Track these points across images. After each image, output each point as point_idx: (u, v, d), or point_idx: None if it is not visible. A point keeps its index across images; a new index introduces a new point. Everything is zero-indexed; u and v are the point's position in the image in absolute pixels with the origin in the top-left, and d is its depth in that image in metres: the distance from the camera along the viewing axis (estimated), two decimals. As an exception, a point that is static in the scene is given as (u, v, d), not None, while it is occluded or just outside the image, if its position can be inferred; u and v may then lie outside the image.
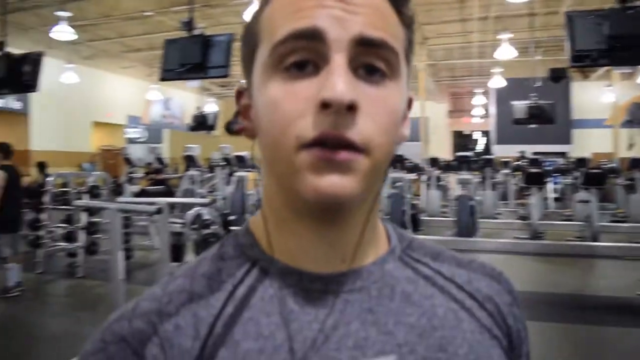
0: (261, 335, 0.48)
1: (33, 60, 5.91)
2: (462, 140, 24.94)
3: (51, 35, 11.04)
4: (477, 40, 13.91)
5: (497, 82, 15.15)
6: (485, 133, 22.81)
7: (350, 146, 0.44)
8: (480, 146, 24.89)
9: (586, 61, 4.84)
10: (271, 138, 0.47)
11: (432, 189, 11.30)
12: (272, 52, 0.47)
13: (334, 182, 0.44)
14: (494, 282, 0.58)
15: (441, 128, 22.35)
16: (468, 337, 0.52)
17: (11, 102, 13.55)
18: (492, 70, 15.53)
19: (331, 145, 0.44)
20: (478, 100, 20.17)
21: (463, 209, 8.48)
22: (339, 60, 0.45)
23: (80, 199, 6.95)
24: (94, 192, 7.18)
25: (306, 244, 0.51)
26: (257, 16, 0.51)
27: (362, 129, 0.45)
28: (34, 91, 6.11)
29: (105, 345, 0.49)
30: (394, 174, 9.79)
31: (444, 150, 19.88)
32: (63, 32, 10.22)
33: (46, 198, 7.12)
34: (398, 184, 9.57)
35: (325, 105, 0.43)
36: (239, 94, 0.56)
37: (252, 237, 0.55)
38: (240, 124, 0.54)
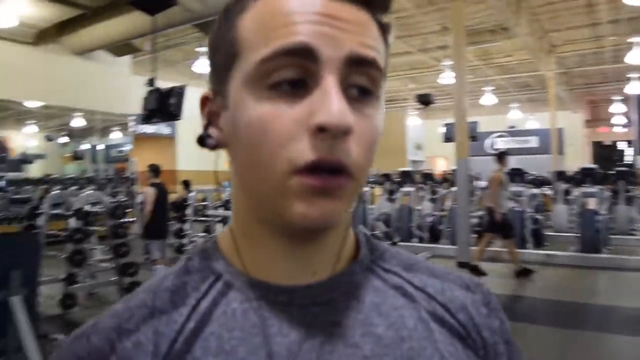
0: (222, 350, 0.46)
1: (178, 93, 6.90)
2: (603, 151, 23.08)
3: (192, 68, 12.55)
4: (611, 45, 13.08)
5: (636, 87, 14.01)
6: (630, 142, 20.95)
7: (344, 171, 0.44)
8: (628, 157, 22.85)
9: None
10: (257, 158, 0.45)
11: (559, 203, 10.80)
12: (258, 67, 0.44)
13: (324, 209, 0.44)
14: (470, 293, 0.55)
15: (578, 139, 20.97)
16: (440, 348, 0.50)
17: (162, 128, 15.43)
18: (628, 75, 14.42)
19: (326, 170, 0.43)
20: (617, 108, 18.65)
21: (587, 224, 8.05)
22: (332, 82, 0.43)
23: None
24: (227, 206, 8.07)
25: (276, 259, 0.49)
26: (233, 22, 0.48)
27: (353, 153, 0.44)
28: (178, 119, 7.10)
29: None
30: (514, 188, 9.55)
31: (582, 163, 18.72)
32: (203, 65, 11.54)
33: (189, 211, 8.16)
34: (519, 198, 9.34)
35: (321, 130, 0.42)
36: (205, 101, 0.52)
37: (218, 250, 0.53)
38: (213, 136, 0.51)
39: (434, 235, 9.63)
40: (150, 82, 6.81)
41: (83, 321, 0.51)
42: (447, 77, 12.80)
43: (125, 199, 10.72)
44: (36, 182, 12.03)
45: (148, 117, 6.97)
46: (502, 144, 20.66)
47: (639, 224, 10.68)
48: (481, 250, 7.06)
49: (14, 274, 3.06)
